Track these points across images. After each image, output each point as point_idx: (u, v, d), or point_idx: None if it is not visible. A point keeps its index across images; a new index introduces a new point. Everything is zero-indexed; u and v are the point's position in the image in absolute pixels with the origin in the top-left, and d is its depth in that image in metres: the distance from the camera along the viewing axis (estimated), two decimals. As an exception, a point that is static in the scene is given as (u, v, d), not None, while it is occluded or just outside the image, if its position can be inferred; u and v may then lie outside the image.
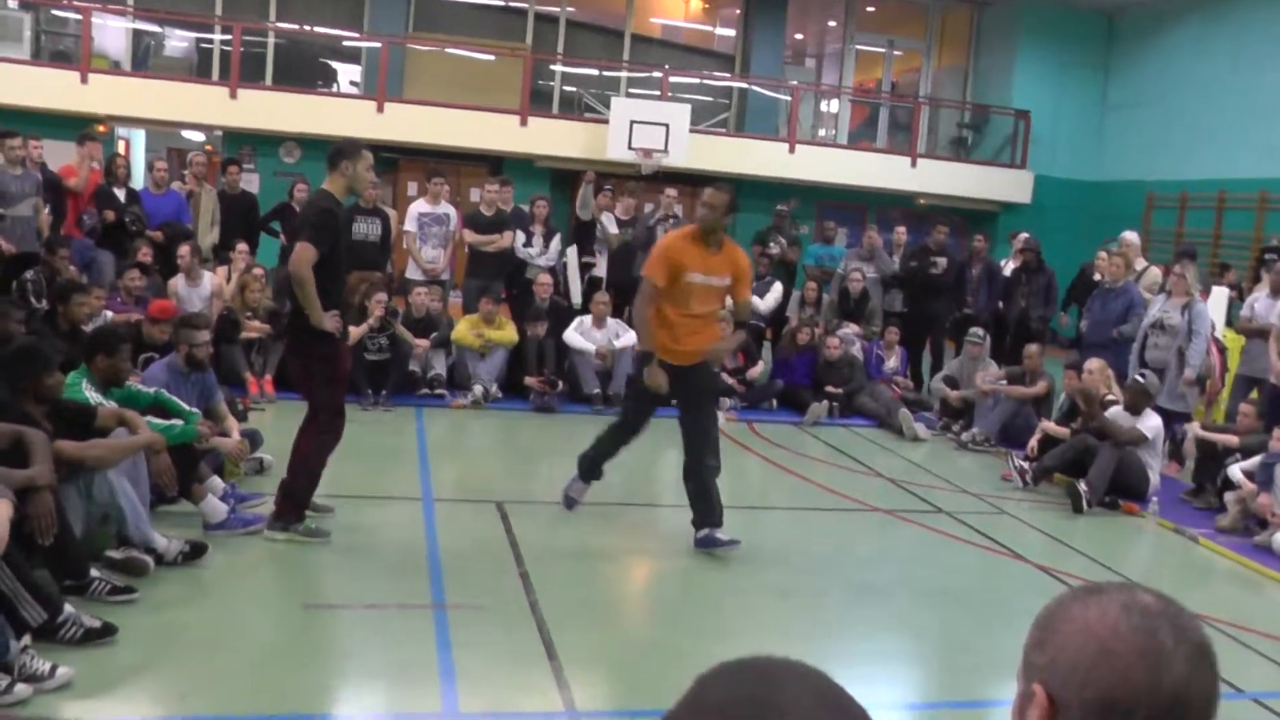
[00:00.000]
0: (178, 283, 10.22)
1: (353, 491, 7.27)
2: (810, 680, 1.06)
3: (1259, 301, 10.22)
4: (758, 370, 11.79)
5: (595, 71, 20.29)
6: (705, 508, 6.56)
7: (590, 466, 7.17)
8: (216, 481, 6.22)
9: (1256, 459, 8.42)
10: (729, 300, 6.96)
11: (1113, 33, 20.45)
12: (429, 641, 4.88)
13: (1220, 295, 12.19)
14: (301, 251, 5.72)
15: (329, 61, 20.31)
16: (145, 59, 18.82)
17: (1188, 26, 18.53)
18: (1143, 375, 9.15)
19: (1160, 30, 19.23)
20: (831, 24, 22.25)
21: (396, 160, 18.03)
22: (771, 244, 13.50)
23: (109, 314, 8.85)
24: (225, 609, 5.18)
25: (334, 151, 6.01)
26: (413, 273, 11.77)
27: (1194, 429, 9.31)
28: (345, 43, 19.61)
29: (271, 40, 18.67)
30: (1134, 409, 8.93)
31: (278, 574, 5.61)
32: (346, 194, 6.11)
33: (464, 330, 10.67)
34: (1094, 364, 9.78)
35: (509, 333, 10.76)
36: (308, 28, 19.12)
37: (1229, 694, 5.17)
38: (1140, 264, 12.08)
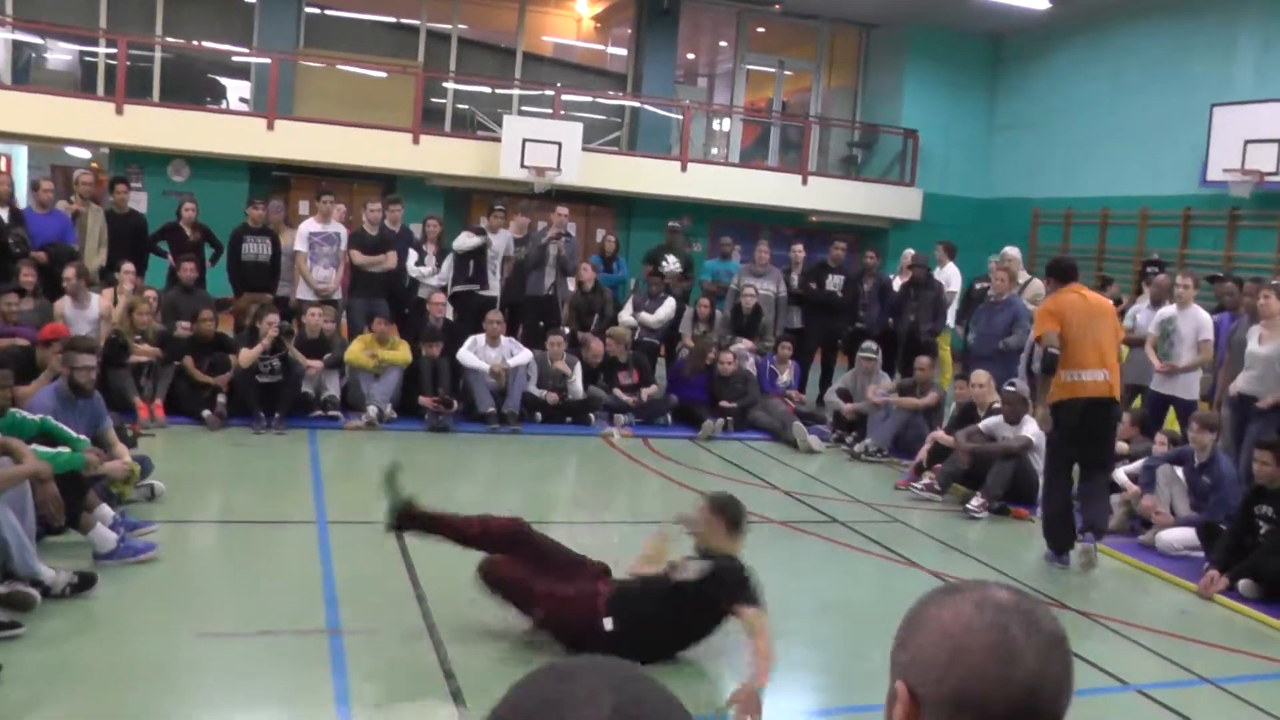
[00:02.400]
0: (64, 305, 9.97)
1: (246, 516, 7.21)
2: (611, 676, 1.03)
3: (1140, 313, 10.63)
4: (652, 389, 11.89)
5: (488, 89, 20.27)
6: None
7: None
8: (106, 510, 6.09)
9: (1139, 463, 8.81)
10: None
11: (999, 55, 21.03)
12: (324, 667, 4.85)
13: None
14: None
15: (218, 78, 19.95)
16: (26, 72, 18.35)
17: (1071, 50, 19.14)
18: (1013, 384, 9.48)
19: (1045, 54, 19.82)
20: (723, 44, 22.51)
21: (288, 179, 17.83)
22: (664, 264, 13.64)
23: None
24: (116, 641, 5.09)
25: None
26: (304, 293, 11.66)
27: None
28: (234, 58, 19.30)
29: (159, 55, 18.24)
30: (1013, 418, 9.26)
31: (170, 603, 5.50)
32: None
33: (357, 351, 10.57)
34: (980, 376, 10.11)
35: (402, 353, 10.69)
36: (196, 43, 18.79)
37: (1115, 687, 5.42)
38: (1023, 277, 12.45)
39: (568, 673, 1.04)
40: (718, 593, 4.96)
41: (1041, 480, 8.16)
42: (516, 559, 5.34)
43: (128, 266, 10.80)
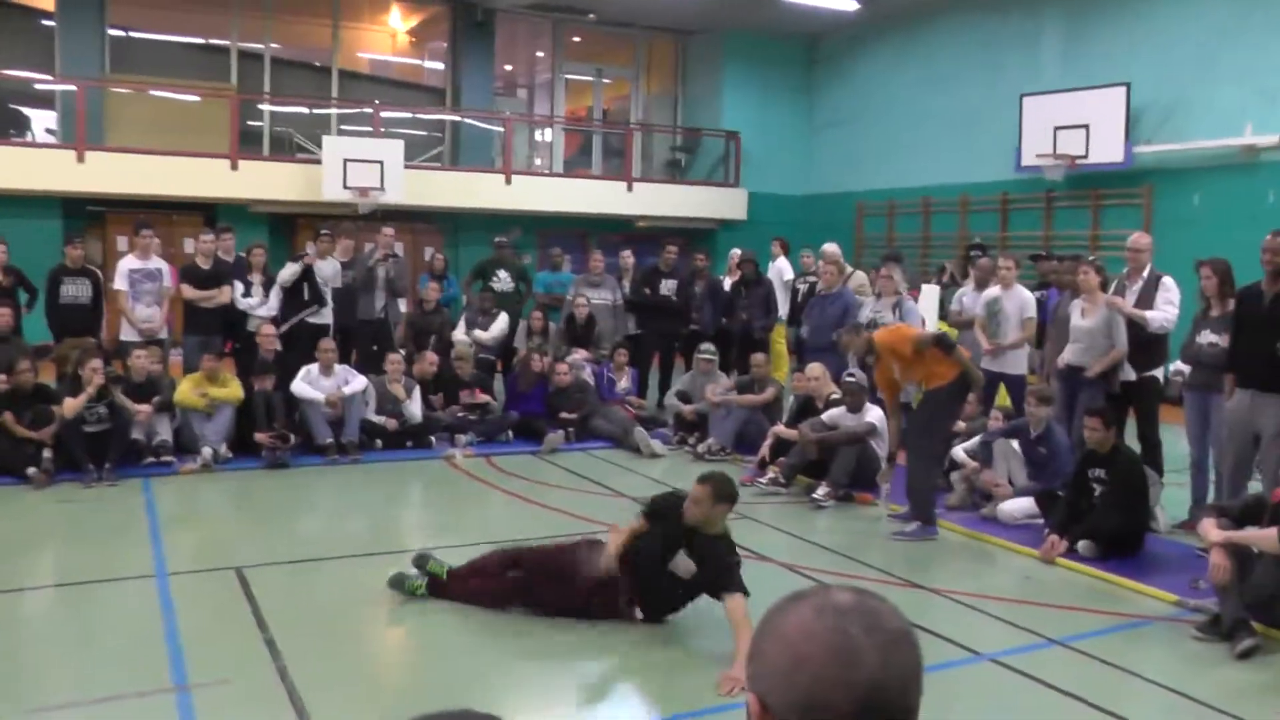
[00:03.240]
0: None
1: (79, 576, 6.96)
2: None
3: (966, 295, 11.04)
4: (485, 396, 11.88)
5: (305, 110, 19.96)
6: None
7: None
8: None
9: (976, 439, 9.17)
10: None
11: (814, 56, 21.63)
12: (174, 728, 4.74)
13: (931, 292, 13.04)
14: None
15: (19, 108, 19.18)
16: None
17: (884, 48, 19.83)
18: (852, 375, 9.79)
19: (858, 52, 20.47)
20: (540, 54, 22.59)
21: (103, 214, 17.23)
22: (495, 279, 13.63)
23: None
24: (-62, 728, 4.87)
25: None
26: (127, 334, 11.29)
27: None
28: (37, 86, 18.60)
29: (-48, 86, 17.48)
30: (855, 407, 9.56)
31: (-1, 679, 5.30)
32: None
33: (187, 390, 10.27)
34: (815, 369, 10.42)
35: (234, 389, 10.43)
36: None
37: (969, 659, 5.65)
38: (847, 270, 12.83)
39: None
40: (709, 584, 5.77)
41: (920, 460, 8.38)
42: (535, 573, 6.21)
43: (-67, 319, 10.30)
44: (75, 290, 11.35)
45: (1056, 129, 15.66)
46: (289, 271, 11.98)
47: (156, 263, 11.51)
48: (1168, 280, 8.75)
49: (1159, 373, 8.89)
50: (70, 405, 9.35)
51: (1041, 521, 8.12)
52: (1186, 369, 8.67)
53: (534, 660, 5.72)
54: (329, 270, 12.26)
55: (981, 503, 8.87)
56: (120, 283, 11.26)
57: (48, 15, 18.26)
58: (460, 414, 11.59)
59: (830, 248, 12.47)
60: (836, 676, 1.25)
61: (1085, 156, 15.41)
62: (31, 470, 9.19)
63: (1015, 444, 8.81)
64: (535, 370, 12.01)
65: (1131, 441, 8.45)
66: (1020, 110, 16.29)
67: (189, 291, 11.52)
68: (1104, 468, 7.65)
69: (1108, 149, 15.17)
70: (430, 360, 11.81)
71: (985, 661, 5.66)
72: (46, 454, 9.32)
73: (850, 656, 1.25)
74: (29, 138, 18.92)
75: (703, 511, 5.80)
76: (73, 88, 16.96)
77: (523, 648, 5.84)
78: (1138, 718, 4.98)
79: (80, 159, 16.17)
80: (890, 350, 8.26)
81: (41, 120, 19.03)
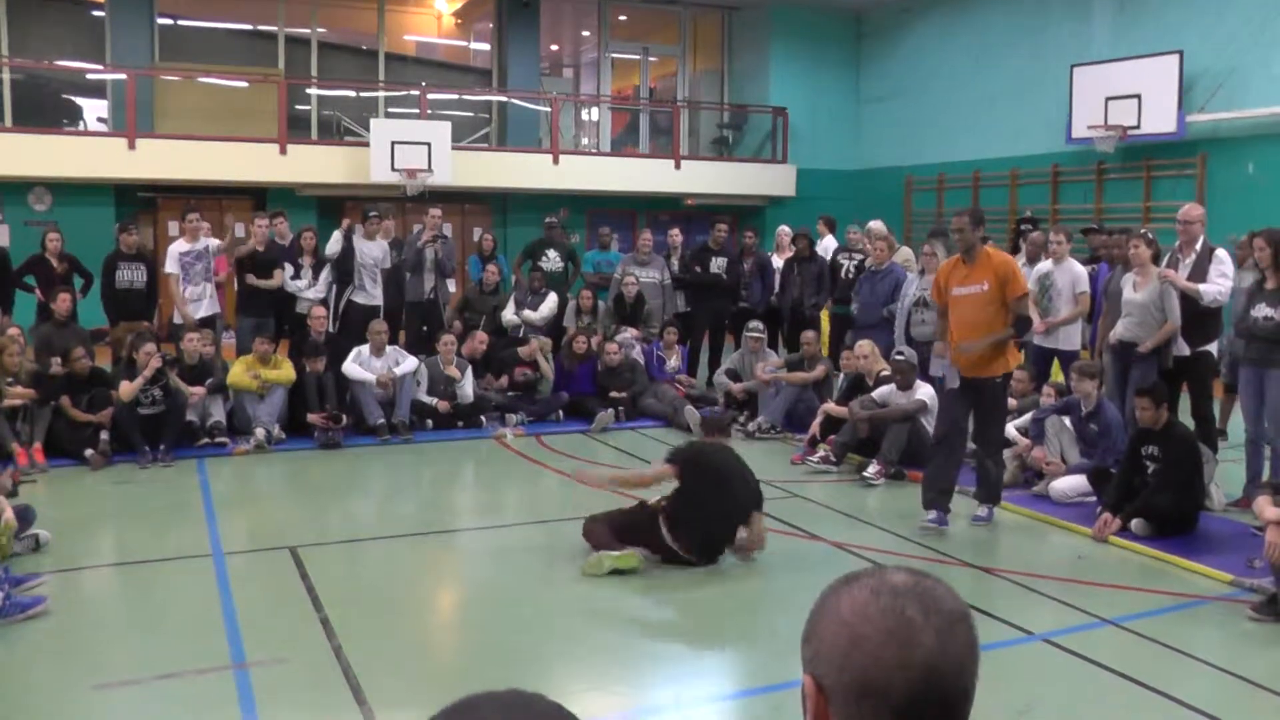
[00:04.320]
0: (-74, 352, 9.64)
1: (137, 556, 7.08)
2: (514, 709, 1.16)
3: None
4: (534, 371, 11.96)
5: (352, 93, 20.05)
6: (986, 490, 7.89)
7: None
8: (-13, 567, 5.92)
9: (1028, 416, 9.09)
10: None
11: (861, 30, 21.44)
12: (232, 704, 4.79)
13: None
14: None
15: (73, 98, 19.42)
16: None
17: (931, 21, 19.62)
18: (900, 353, 9.71)
19: (906, 26, 20.27)
20: (586, 34, 22.55)
21: (154, 199, 17.43)
22: (544, 259, 13.66)
23: None
24: (8, 705, 4.92)
25: None
26: (181, 318, 11.43)
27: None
28: (89, 76, 18.83)
29: (8, 77, 17.67)
30: (905, 385, 9.48)
31: (62, 657, 5.37)
32: None
33: (239, 373, 10.39)
34: (864, 347, 10.35)
35: (286, 371, 10.53)
36: (46, 62, 18.24)
37: (1021, 638, 5.62)
38: (895, 245, 12.72)
39: (469, 705, 1.15)
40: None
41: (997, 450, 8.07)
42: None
43: (-8, 306, 10.46)
44: (130, 275, 11.49)
45: (1108, 99, 15.43)
46: (334, 244, 12.04)
47: (204, 243, 11.61)
48: (1221, 252, 8.59)
49: (1213, 347, 8.75)
50: (126, 389, 9.48)
51: (1094, 499, 8.03)
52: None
53: (590, 637, 5.77)
54: (377, 252, 12.31)
55: (1034, 480, 8.79)
56: (171, 266, 11.37)
57: (98, 7, 18.50)
58: (510, 393, 11.65)
59: (877, 225, 12.39)
60: (894, 657, 1.25)
61: (1137, 127, 15.18)
62: (89, 452, 9.35)
63: (1067, 421, 8.73)
64: (579, 351, 12.03)
65: (1185, 417, 8.35)
66: (1071, 81, 16.07)
67: (249, 278, 11.62)
68: (1157, 444, 7.55)
69: (1160, 119, 14.93)
70: (480, 339, 11.87)
71: (1038, 641, 5.63)
72: (104, 436, 9.49)
73: (907, 637, 1.26)
74: (81, 127, 19.15)
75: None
76: (123, 76, 17.11)
77: (578, 627, 5.88)
78: (1192, 699, 4.91)
79: (131, 146, 16.33)
80: (998, 276, 7.40)
81: (93, 109, 19.27)
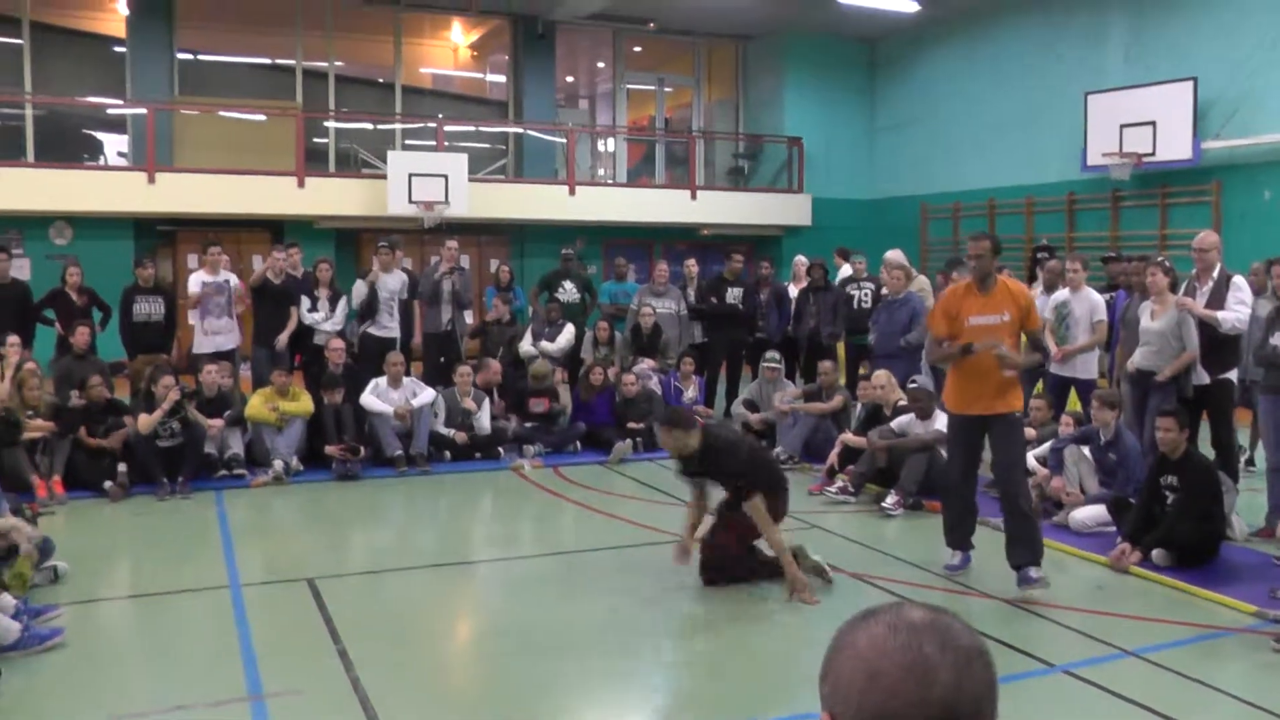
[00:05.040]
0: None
1: (155, 588, 7.08)
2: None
3: (1035, 299, 10.86)
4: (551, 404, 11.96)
5: (369, 126, 20.18)
6: (1023, 549, 6.95)
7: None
8: (7, 599, 5.90)
9: (1046, 445, 9.03)
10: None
11: (875, 59, 21.52)
12: (248, 737, 4.81)
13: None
14: None
15: (93, 133, 19.59)
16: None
17: (945, 49, 19.67)
18: (914, 381, 9.68)
19: (920, 54, 20.33)
20: (601, 65, 22.68)
21: (173, 233, 17.54)
22: (560, 290, 13.70)
23: None
24: (26, 736, 4.97)
25: None
26: (200, 347, 11.51)
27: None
28: (109, 110, 19.00)
29: (30, 112, 17.85)
30: (924, 414, 9.42)
31: (80, 689, 5.37)
32: None
33: (258, 405, 10.43)
34: (881, 377, 10.29)
35: (304, 403, 10.57)
36: (67, 98, 18.41)
37: (1041, 670, 5.56)
38: (912, 274, 12.70)
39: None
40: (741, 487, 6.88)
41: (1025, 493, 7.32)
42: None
43: (13, 339, 10.44)
44: (148, 308, 11.57)
45: (1122, 127, 15.43)
46: (360, 292, 12.16)
47: (225, 275, 11.69)
48: (1239, 279, 8.56)
49: (1232, 375, 8.70)
50: (145, 421, 9.52)
51: (1113, 529, 7.97)
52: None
53: (607, 668, 5.74)
54: (394, 283, 12.37)
55: (1053, 510, 8.72)
56: (193, 288, 11.51)
57: (119, 42, 18.66)
58: (527, 424, 11.65)
59: (893, 254, 12.38)
60: (911, 694, 1.25)
61: (1152, 154, 15.18)
62: (108, 484, 9.39)
63: (1086, 450, 8.67)
64: (595, 382, 12.03)
65: (1205, 448, 8.29)
66: (1085, 108, 16.08)
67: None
68: (1176, 474, 7.48)
69: (1175, 145, 14.93)
70: (494, 370, 11.88)
71: (1058, 673, 5.56)
72: (122, 468, 9.52)
73: (925, 674, 1.25)
74: (102, 161, 19.31)
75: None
76: (143, 111, 17.25)
77: (595, 658, 5.86)
78: (1215, 730, 4.86)
79: (151, 180, 16.45)
80: (1020, 306, 7.08)
81: (114, 144, 19.43)
